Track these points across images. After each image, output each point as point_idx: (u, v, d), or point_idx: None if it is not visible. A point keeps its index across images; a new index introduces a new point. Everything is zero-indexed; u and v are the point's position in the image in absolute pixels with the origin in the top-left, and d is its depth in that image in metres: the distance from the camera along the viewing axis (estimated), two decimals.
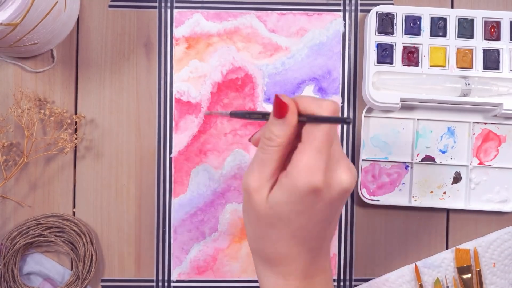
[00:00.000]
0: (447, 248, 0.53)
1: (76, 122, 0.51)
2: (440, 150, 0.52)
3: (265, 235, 0.36)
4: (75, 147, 0.51)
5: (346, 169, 0.34)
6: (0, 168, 0.50)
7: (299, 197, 0.33)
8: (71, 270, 0.51)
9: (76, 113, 0.51)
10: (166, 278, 0.52)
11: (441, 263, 0.51)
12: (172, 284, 0.52)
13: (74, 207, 0.52)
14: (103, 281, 0.52)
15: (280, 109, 0.34)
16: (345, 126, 0.52)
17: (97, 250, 0.51)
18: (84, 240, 0.50)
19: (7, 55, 0.51)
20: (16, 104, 0.50)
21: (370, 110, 0.52)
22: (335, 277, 0.52)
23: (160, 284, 0.52)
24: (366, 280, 0.52)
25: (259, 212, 0.35)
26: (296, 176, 0.33)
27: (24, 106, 0.50)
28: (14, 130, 0.51)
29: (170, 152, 0.52)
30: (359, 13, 0.52)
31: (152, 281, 0.52)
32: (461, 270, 0.51)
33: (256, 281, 0.52)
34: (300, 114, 0.34)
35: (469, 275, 0.51)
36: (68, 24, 0.50)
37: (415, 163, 0.52)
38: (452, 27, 0.51)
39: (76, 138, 0.51)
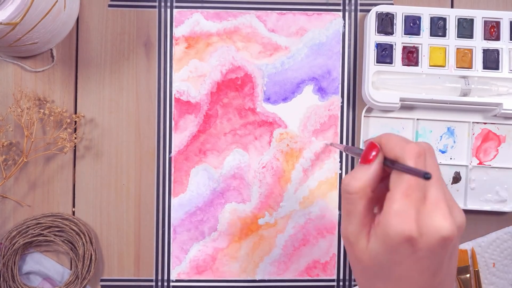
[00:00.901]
0: None
1: (75, 121, 0.51)
2: (440, 150, 0.52)
3: (372, 285, 0.34)
4: (75, 146, 0.51)
5: (444, 214, 0.32)
6: (0, 167, 0.50)
7: (393, 247, 0.32)
8: (71, 269, 0.51)
9: (75, 113, 0.52)
10: (165, 277, 0.52)
11: None
12: (172, 284, 0.52)
13: (73, 206, 0.52)
14: (102, 280, 0.52)
15: (367, 155, 0.34)
16: (344, 128, 0.52)
17: (96, 250, 0.51)
18: (84, 239, 0.50)
19: (7, 54, 0.51)
20: (16, 103, 0.50)
21: (369, 109, 0.52)
22: (335, 277, 0.52)
23: (159, 283, 0.52)
24: None
25: (361, 262, 0.34)
26: (385, 224, 0.32)
27: (24, 106, 0.50)
28: (14, 129, 0.51)
29: (170, 152, 0.52)
30: (358, 13, 0.52)
31: (151, 280, 0.52)
32: (459, 271, 0.51)
33: (254, 281, 0.52)
34: (385, 158, 0.34)
35: (467, 275, 0.51)
36: (67, 24, 0.50)
37: None
38: (451, 27, 0.51)
39: (75, 138, 0.51)
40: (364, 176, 0.33)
